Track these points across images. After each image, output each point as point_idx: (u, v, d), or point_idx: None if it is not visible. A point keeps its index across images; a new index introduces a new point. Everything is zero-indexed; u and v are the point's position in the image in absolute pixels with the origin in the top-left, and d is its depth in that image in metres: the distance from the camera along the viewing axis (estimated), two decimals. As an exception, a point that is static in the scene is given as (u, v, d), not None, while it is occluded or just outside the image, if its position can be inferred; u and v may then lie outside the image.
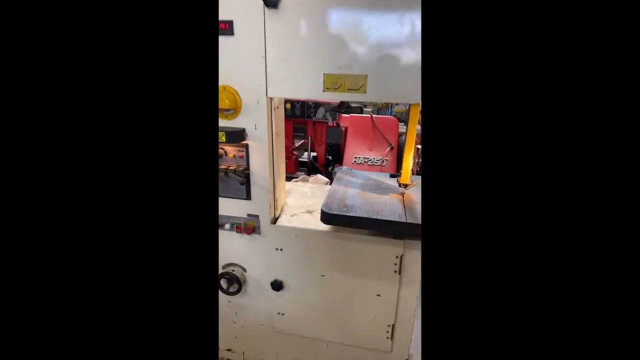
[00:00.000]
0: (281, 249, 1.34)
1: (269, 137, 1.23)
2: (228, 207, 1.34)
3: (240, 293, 1.42)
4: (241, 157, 1.27)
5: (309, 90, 1.13)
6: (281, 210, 1.45)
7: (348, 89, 1.10)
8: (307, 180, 2.27)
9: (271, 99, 1.21)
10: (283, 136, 1.39)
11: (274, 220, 1.36)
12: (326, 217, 1.18)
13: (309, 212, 1.45)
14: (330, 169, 2.85)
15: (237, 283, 1.40)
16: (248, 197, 1.31)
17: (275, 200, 1.35)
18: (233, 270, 1.42)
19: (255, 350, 1.57)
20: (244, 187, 1.29)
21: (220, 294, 1.43)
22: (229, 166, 1.27)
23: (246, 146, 1.25)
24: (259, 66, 1.13)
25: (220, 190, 1.33)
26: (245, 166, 1.27)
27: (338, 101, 2.52)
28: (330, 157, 2.84)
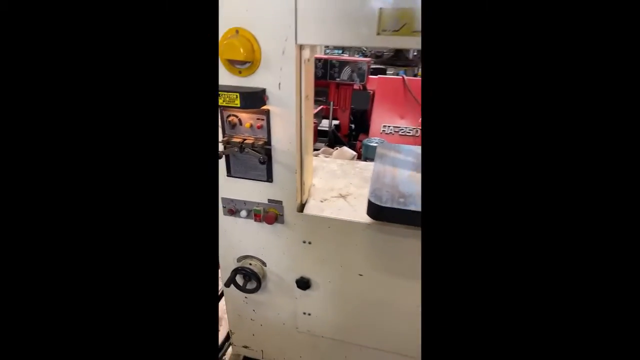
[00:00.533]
0: (309, 242, 1.09)
1: (297, 101, 0.93)
2: (244, 190, 1.07)
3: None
4: (260, 127, 0.97)
5: (357, 33, 0.80)
6: (308, 194, 1.17)
7: (414, 32, 0.77)
8: (329, 154, 1.97)
9: (301, 47, 0.88)
10: (312, 100, 1.08)
11: (301, 208, 1.09)
12: (375, 210, 0.90)
13: (342, 196, 1.18)
14: (352, 139, 2.52)
15: (255, 280, 1.17)
16: (269, 178, 1.03)
17: (302, 183, 1.07)
18: (250, 264, 1.18)
19: (276, 349, 1.39)
20: (264, 166, 1.01)
21: (237, 290, 1.21)
22: (245, 139, 0.98)
23: (267, 113, 0.95)
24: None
25: (234, 170, 1.05)
26: (266, 139, 0.98)
27: (370, 60, 2.13)
28: (352, 126, 2.50)
